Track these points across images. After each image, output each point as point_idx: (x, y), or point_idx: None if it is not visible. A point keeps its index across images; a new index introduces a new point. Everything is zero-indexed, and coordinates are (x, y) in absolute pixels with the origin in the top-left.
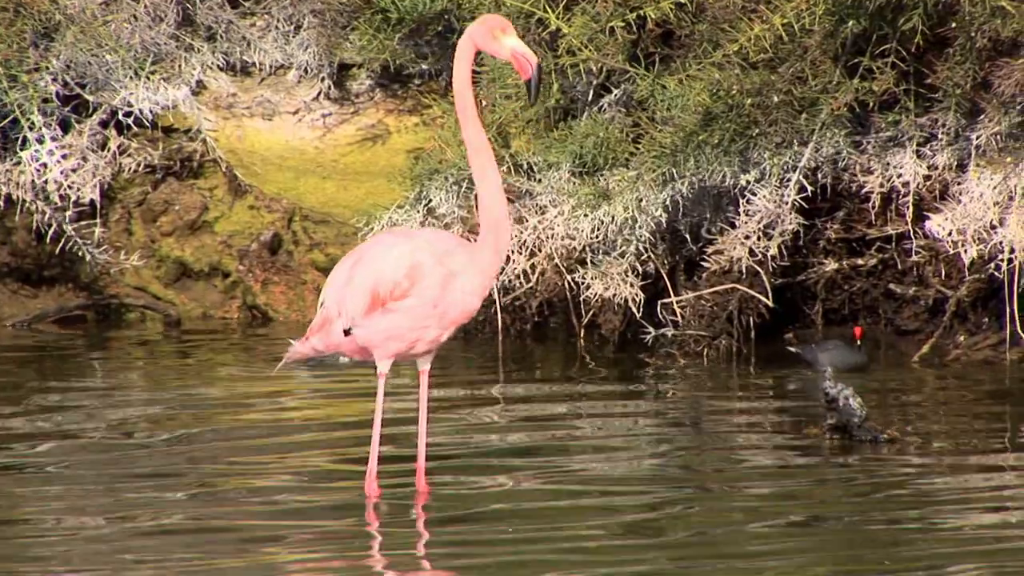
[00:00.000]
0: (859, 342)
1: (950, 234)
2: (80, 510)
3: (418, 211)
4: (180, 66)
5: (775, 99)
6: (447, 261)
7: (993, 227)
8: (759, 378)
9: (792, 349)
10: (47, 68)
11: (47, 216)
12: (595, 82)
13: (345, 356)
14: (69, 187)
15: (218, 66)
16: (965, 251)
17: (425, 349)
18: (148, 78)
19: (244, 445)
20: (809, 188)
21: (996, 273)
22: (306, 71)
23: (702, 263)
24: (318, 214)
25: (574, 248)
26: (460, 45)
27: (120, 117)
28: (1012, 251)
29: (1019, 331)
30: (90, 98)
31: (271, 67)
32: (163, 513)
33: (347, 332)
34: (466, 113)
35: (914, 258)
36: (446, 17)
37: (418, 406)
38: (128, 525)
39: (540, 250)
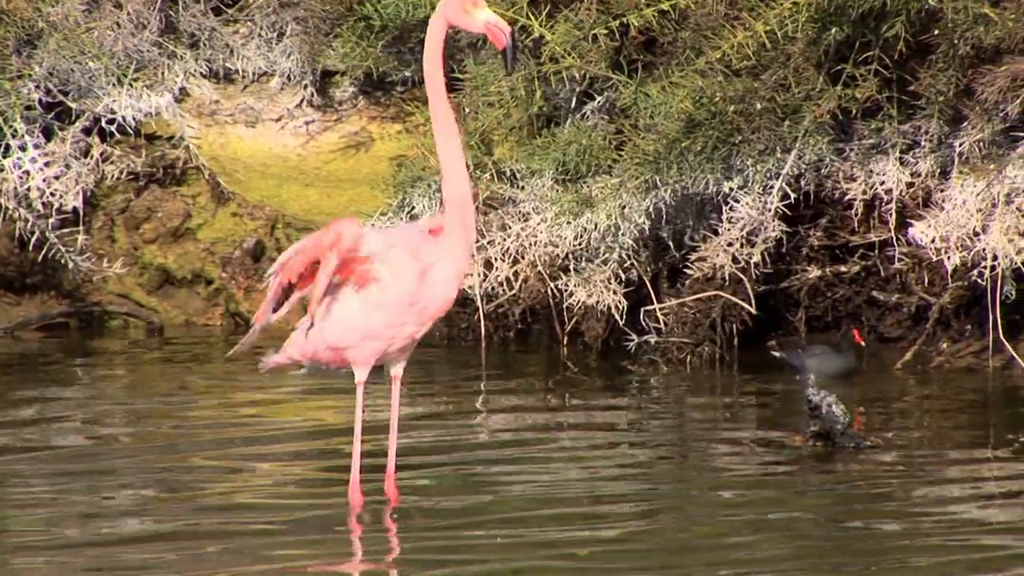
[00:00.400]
0: (862, 344)
1: (933, 241)
2: (62, 520)
3: (401, 218)
4: (163, 73)
5: (758, 106)
6: (420, 255)
7: (976, 234)
8: (742, 385)
9: (777, 355)
10: (30, 75)
11: (30, 223)
12: (578, 89)
13: (324, 366)
14: (52, 194)
15: (201, 73)
16: (948, 258)
17: (402, 346)
18: (131, 85)
19: (227, 453)
20: (792, 195)
21: (979, 280)
22: (289, 78)
23: (685, 270)
24: (301, 221)
25: (557, 255)
26: (432, 21)
27: (103, 124)
28: (995, 258)
29: (1002, 338)
30: (73, 105)
31: (254, 74)
32: (146, 522)
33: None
34: (435, 89)
35: (897, 265)
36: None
37: (396, 412)
38: (111, 534)
39: (523, 257)
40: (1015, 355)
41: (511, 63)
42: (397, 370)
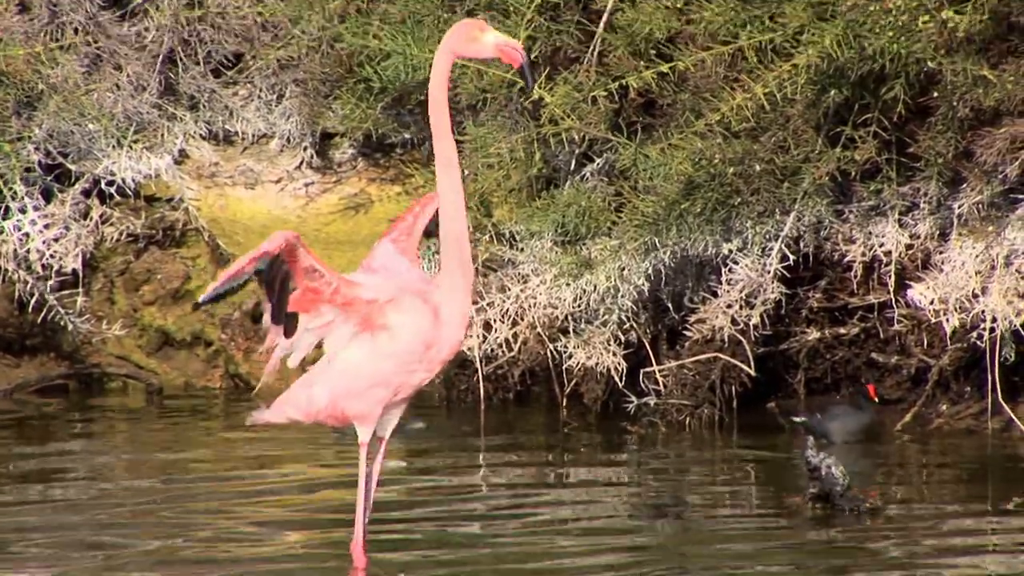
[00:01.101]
0: (875, 399)
1: (932, 303)
2: None
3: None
4: (163, 135)
5: (757, 168)
6: (429, 298)
7: (975, 296)
8: (742, 447)
9: (797, 420)
10: (29, 137)
11: (29, 285)
12: (577, 151)
13: (322, 423)
14: (51, 256)
15: (201, 135)
16: (947, 320)
17: (405, 396)
18: (131, 147)
19: (227, 513)
20: (791, 257)
21: (978, 342)
22: (288, 140)
23: (684, 332)
24: None
25: (556, 317)
26: (438, 56)
27: (103, 186)
28: (994, 320)
29: (1000, 400)
30: (72, 167)
31: (254, 136)
32: None
33: (287, 331)
34: (440, 125)
35: (896, 327)
36: (428, 86)
37: (379, 470)
38: None
39: (522, 319)
40: (1014, 417)
41: (531, 78)
42: (385, 432)
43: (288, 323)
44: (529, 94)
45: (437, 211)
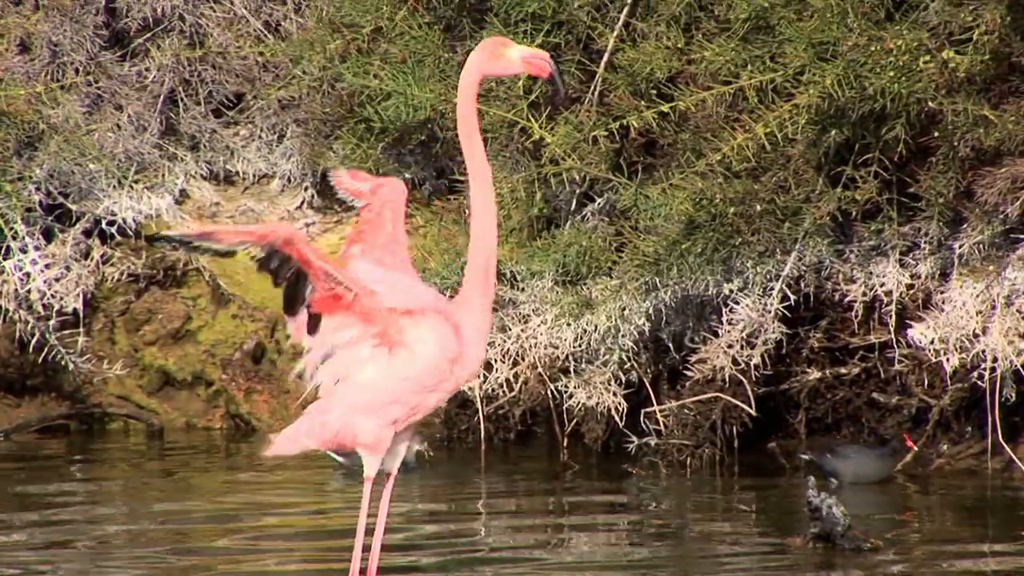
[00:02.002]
0: (914, 448)
1: (933, 343)
2: None
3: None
4: (163, 175)
5: (758, 208)
6: (450, 316)
7: (976, 336)
8: (742, 487)
9: (806, 457)
10: (30, 177)
11: (30, 325)
12: (578, 191)
13: (339, 457)
14: (52, 296)
15: (201, 175)
16: (948, 360)
17: (420, 417)
18: (131, 187)
19: (227, 554)
20: (792, 297)
21: (979, 382)
22: (289, 180)
23: (685, 372)
24: None
25: (557, 357)
26: (464, 77)
27: (103, 226)
28: (995, 360)
29: (1000, 441)
30: (73, 207)
31: (254, 176)
32: None
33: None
34: (470, 147)
35: (897, 367)
36: (429, 126)
37: (385, 509)
38: None
39: (523, 359)
40: (1014, 458)
41: (561, 85)
42: (392, 466)
43: (311, 322)
44: (562, 95)
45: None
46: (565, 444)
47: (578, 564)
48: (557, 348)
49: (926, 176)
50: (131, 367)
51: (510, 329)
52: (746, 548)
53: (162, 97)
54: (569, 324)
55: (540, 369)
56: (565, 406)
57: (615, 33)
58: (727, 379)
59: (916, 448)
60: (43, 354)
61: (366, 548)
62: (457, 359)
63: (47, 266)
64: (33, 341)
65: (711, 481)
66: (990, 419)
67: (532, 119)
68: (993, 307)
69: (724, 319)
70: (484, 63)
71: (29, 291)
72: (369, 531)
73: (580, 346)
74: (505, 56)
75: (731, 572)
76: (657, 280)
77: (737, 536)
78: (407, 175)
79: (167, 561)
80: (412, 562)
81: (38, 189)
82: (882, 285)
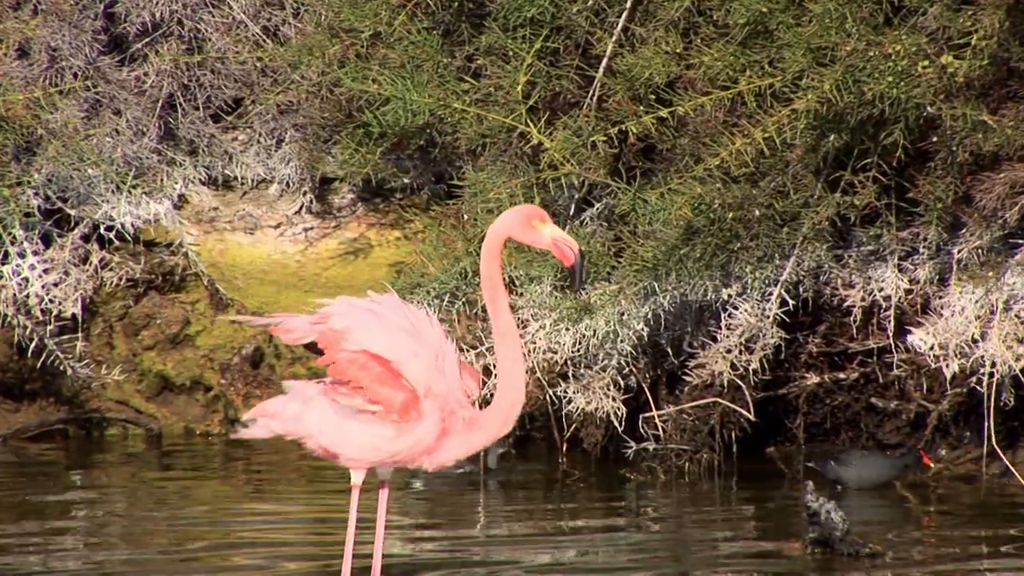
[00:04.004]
0: (931, 466)
1: (931, 348)
2: None
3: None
4: (162, 180)
5: (756, 213)
6: (460, 411)
7: (975, 341)
8: (741, 492)
9: (811, 465)
10: (29, 182)
11: (29, 330)
12: (577, 196)
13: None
14: (51, 301)
15: (200, 180)
16: (947, 365)
17: (400, 465)
18: (130, 192)
19: (224, 559)
20: (791, 302)
21: (977, 387)
22: (288, 185)
23: (684, 377)
24: None
25: (556, 362)
26: (490, 234)
27: (102, 231)
28: (993, 365)
29: (995, 446)
30: (72, 212)
31: (253, 181)
32: None
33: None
34: (495, 304)
35: (895, 372)
36: (428, 131)
37: (383, 517)
38: None
39: None
40: (1009, 465)
41: (579, 281)
42: (386, 475)
43: None
44: (577, 288)
45: None
46: (564, 449)
47: (576, 569)
48: (556, 353)
49: (925, 181)
50: (130, 372)
51: None
52: (745, 553)
53: (161, 102)
54: (568, 329)
55: (539, 374)
56: (564, 411)
57: (614, 38)
58: (726, 384)
59: (933, 466)
60: (42, 359)
61: (356, 554)
62: (431, 446)
63: (46, 271)
64: (32, 346)
65: (710, 486)
66: (987, 425)
67: (531, 124)
68: (992, 312)
69: (723, 324)
70: (515, 228)
71: (28, 296)
72: (356, 536)
73: (579, 351)
74: (538, 230)
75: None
76: (656, 285)
77: (736, 541)
78: (405, 180)
79: (166, 567)
80: (410, 568)
81: (36, 194)
82: (881, 290)
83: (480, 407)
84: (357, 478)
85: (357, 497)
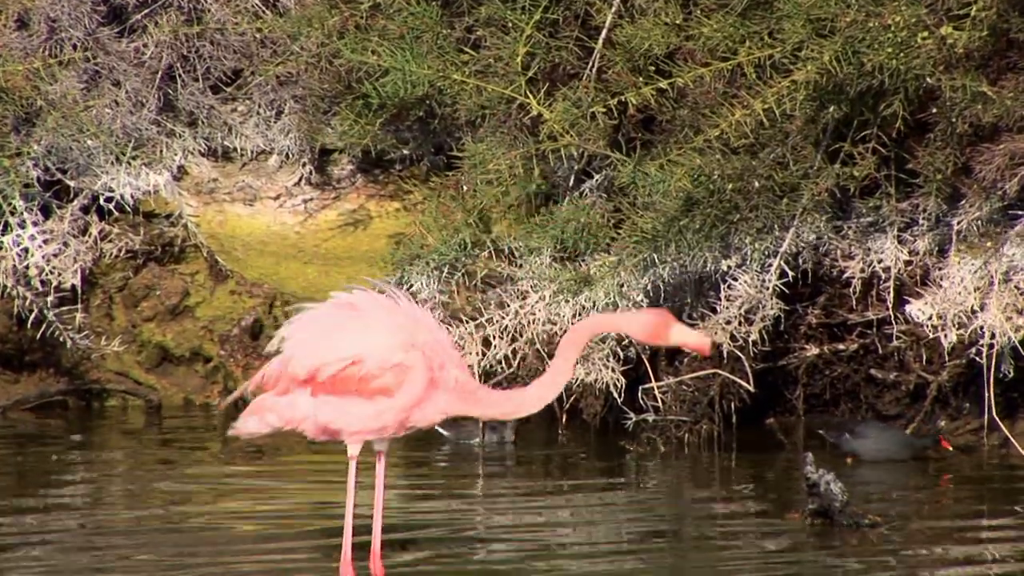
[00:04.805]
0: (949, 449)
1: (931, 319)
2: None
3: (390, 289)
4: (161, 151)
5: (756, 184)
6: (452, 369)
7: (974, 312)
8: (740, 463)
9: (823, 433)
10: (28, 153)
11: (28, 301)
12: (576, 167)
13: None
14: (50, 272)
15: (199, 151)
16: (946, 336)
17: (394, 435)
18: (129, 163)
19: (223, 530)
20: (790, 273)
21: (977, 358)
22: (287, 156)
23: (683, 348)
24: (300, 299)
25: (555, 333)
26: (590, 327)
27: (101, 202)
28: (992, 336)
29: (995, 417)
30: (71, 183)
31: (252, 152)
32: None
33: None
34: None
35: (895, 343)
36: (427, 103)
37: (381, 488)
38: None
39: (521, 335)
40: (1009, 435)
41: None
42: (382, 446)
43: None
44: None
45: None
46: (563, 420)
47: (575, 541)
48: (555, 324)
49: (924, 152)
50: (129, 343)
51: (508, 305)
52: (744, 524)
53: (160, 73)
54: (567, 300)
55: (538, 345)
56: None
57: (613, 9)
58: (725, 355)
59: (952, 449)
60: (41, 330)
61: (356, 526)
62: (418, 403)
63: (45, 242)
64: (31, 317)
65: (709, 457)
66: (987, 395)
67: (530, 95)
68: (991, 283)
69: (722, 295)
70: (651, 332)
71: (27, 267)
72: (355, 510)
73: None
74: (669, 335)
75: (729, 548)
76: (655, 256)
77: (735, 512)
78: (405, 151)
79: (167, 539)
80: (408, 540)
81: (36, 165)
82: (880, 261)
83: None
84: (354, 450)
85: (355, 469)
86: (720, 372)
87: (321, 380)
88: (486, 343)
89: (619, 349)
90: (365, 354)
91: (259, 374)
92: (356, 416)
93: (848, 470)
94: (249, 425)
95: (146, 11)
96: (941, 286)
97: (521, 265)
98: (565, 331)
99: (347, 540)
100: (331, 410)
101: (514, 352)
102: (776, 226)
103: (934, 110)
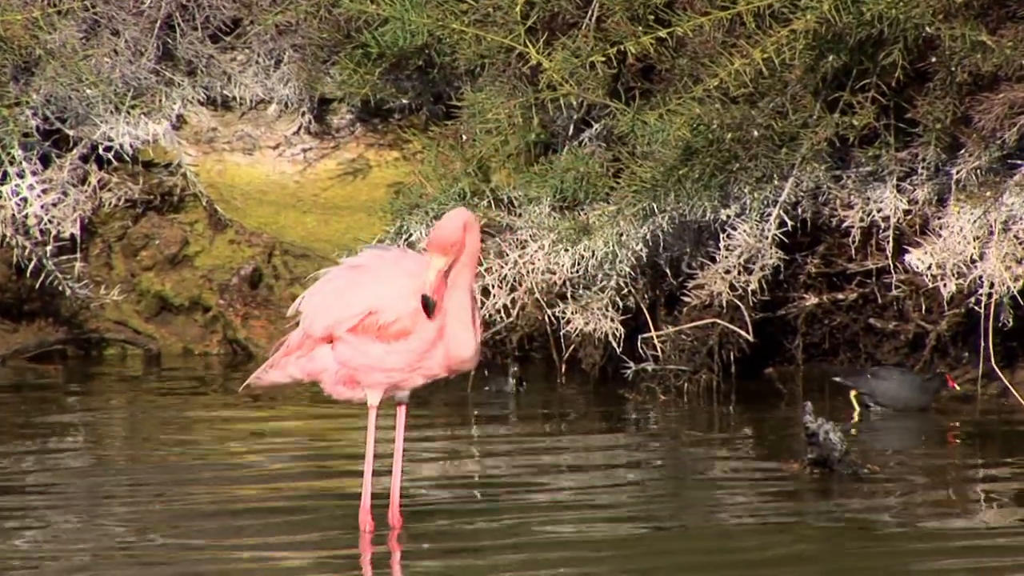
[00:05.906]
0: (956, 388)
1: (930, 268)
2: (61, 555)
3: (398, 245)
4: (160, 100)
5: (755, 134)
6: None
7: (973, 261)
8: (739, 412)
9: (838, 380)
10: (27, 102)
11: (27, 250)
12: (576, 116)
13: (327, 388)
14: (49, 221)
15: (198, 100)
16: (945, 286)
17: (419, 384)
18: (128, 112)
19: (229, 477)
20: (789, 223)
21: (976, 307)
22: (286, 105)
23: (682, 298)
24: (299, 248)
25: (555, 283)
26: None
27: (100, 152)
28: (991, 286)
29: (994, 366)
30: (70, 132)
31: (251, 101)
32: (144, 555)
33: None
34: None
35: (894, 293)
36: (426, 52)
37: (394, 438)
38: (110, 565)
39: (521, 284)
40: (1008, 385)
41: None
42: (403, 397)
43: None
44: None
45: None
46: (563, 370)
47: (574, 489)
48: (554, 274)
49: (924, 102)
50: (128, 292)
51: (507, 255)
52: (743, 473)
53: (159, 22)
54: (566, 250)
55: (537, 295)
56: (562, 332)
57: None
58: (724, 305)
59: (959, 388)
60: (40, 279)
61: (376, 474)
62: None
63: (44, 191)
64: (30, 266)
65: (708, 407)
66: (985, 345)
67: (530, 44)
68: (990, 232)
69: (722, 245)
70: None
71: (26, 216)
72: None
73: (577, 272)
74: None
75: (728, 497)
76: (655, 206)
77: (734, 461)
78: (404, 100)
79: (168, 489)
80: (408, 490)
81: (35, 114)
82: (879, 211)
83: None
84: (374, 399)
85: (374, 419)
86: (719, 321)
87: (339, 335)
88: (485, 292)
89: (618, 299)
90: (379, 305)
91: (282, 346)
92: (375, 357)
93: (845, 422)
94: (270, 375)
95: None
96: (940, 235)
97: (520, 214)
98: (566, 281)
99: (366, 489)
100: (349, 349)
101: (513, 301)
102: (775, 175)
103: (933, 59)
